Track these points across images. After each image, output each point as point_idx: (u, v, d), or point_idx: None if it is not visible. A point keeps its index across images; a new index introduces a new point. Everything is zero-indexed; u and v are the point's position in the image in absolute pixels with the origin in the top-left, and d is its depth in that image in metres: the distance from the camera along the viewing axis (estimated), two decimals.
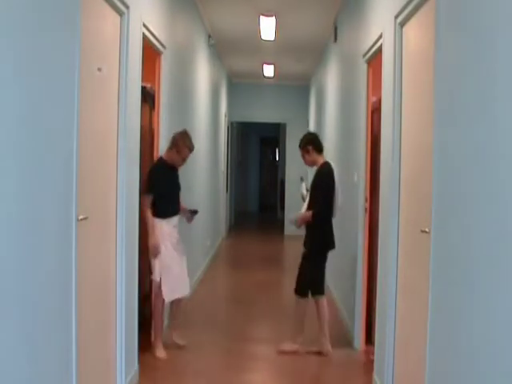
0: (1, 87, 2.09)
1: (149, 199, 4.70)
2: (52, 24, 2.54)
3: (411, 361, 3.35)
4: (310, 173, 6.12)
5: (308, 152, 5.07)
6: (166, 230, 4.78)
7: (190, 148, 4.91)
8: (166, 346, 4.83)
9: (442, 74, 2.74)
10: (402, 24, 3.65)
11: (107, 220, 3.58)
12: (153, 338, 4.84)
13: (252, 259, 9.16)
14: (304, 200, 5.23)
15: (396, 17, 3.70)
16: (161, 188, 4.79)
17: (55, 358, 2.64)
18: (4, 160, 2.11)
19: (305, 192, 5.41)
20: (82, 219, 2.93)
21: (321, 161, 5.06)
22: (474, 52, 2.35)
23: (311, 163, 5.14)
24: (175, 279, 4.85)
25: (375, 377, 4.12)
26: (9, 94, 2.14)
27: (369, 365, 4.45)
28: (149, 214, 4.69)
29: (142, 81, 4.26)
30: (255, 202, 18.51)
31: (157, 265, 4.75)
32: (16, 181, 2.22)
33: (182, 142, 4.83)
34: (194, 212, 5.21)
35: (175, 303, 5.02)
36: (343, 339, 5.37)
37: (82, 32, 2.85)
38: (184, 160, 4.92)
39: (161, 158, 4.93)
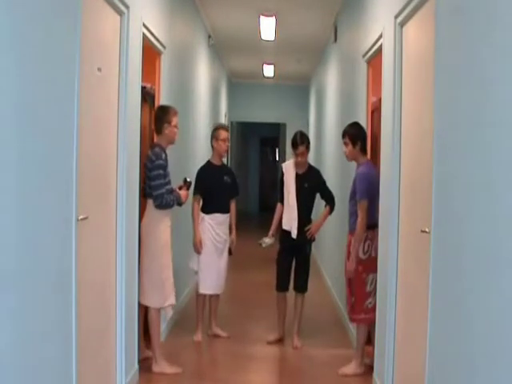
0: (1, 87, 2.09)
1: (195, 198, 5.24)
2: (52, 24, 2.54)
3: (411, 361, 3.35)
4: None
5: (308, 152, 5.26)
6: (207, 224, 5.22)
7: (222, 128, 5.52)
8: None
9: (442, 74, 2.74)
10: (402, 24, 3.65)
11: (107, 220, 3.58)
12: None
13: (252, 260, 9.16)
14: (265, 243, 5.42)
15: (396, 17, 3.70)
16: (204, 187, 5.25)
17: (55, 357, 2.64)
18: (4, 160, 2.11)
19: (266, 239, 5.41)
20: (82, 219, 2.93)
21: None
22: (473, 51, 2.35)
23: (305, 162, 5.31)
24: (211, 275, 5.27)
25: (375, 377, 4.12)
26: (8, 94, 2.14)
27: (369, 365, 4.45)
28: (194, 212, 5.23)
29: (142, 81, 4.25)
30: (255, 202, 18.48)
31: (195, 256, 5.26)
32: (16, 181, 2.21)
33: (213, 133, 5.43)
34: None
35: (213, 298, 5.43)
36: (343, 339, 5.37)
37: (82, 32, 2.85)
38: (224, 141, 5.37)
39: (207, 161, 5.51)
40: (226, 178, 5.42)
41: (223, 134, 5.40)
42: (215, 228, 5.26)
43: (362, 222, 4.36)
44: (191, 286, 6.89)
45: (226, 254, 5.39)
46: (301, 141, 5.16)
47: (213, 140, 5.41)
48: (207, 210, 5.27)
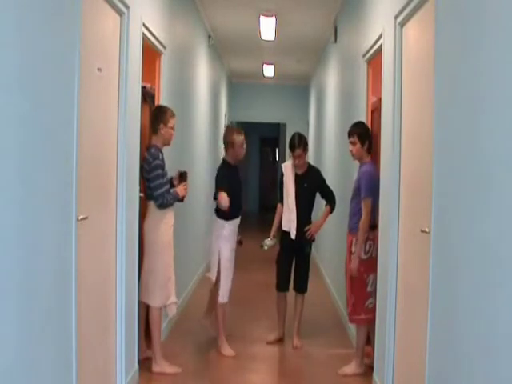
0: (1, 87, 2.09)
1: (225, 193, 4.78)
2: (52, 24, 2.54)
3: (411, 361, 3.35)
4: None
5: (306, 154, 5.24)
6: (229, 232, 4.95)
7: (238, 133, 5.04)
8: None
9: (441, 74, 2.74)
10: (402, 24, 3.66)
11: (107, 220, 3.58)
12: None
13: (252, 260, 9.15)
14: (267, 246, 5.34)
15: (396, 17, 3.70)
16: (229, 188, 4.86)
17: (55, 357, 2.64)
18: (4, 160, 2.11)
19: (267, 241, 5.34)
20: (81, 219, 2.93)
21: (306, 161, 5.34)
22: (473, 52, 2.35)
23: (304, 163, 5.28)
24: (230, 283, 5.00)
25: (375, 377, 4.12)
26: (9, 94, 2.14)
27: (368, 365, 4.45)
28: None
29: (142, 81, 4.25)
30: (255, 202, 18.50)
31: (215, 266, 4.96)
32: (16, 181, 2.21)
33: (231, 135, 5.00)
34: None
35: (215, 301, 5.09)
36: (343, 339, 5.37)
37: (82, 32, 2.85)
38: (241, 147, 4.99)
39: (226, 161, 5.07)
40: (239, 176, 5.17)
41: (240, 141, 4.99)
42: (235, 233, 5.04)
43: (365, 220, 4.35)
44: (191, 286, 6.89)
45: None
46: (298, 143, 5.15)
47: (228, 148, 4.99)
48: (229, 215, 4.94)
